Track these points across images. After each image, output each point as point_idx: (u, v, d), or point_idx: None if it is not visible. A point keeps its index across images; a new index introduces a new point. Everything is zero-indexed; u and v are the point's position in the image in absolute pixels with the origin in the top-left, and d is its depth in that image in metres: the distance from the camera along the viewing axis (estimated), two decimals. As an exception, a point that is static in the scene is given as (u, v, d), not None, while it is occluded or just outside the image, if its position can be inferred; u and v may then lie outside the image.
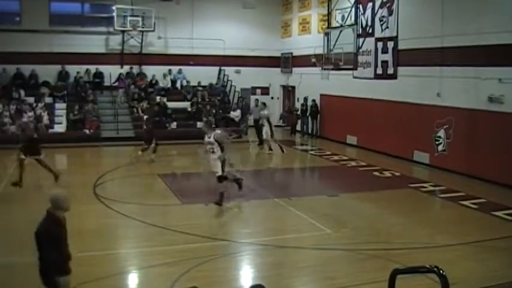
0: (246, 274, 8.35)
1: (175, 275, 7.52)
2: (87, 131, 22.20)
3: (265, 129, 19.78)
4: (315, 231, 10.16)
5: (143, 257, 8.70)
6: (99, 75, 24.78)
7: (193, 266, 7.92)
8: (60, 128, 22.53)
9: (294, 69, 26.80)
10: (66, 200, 5.37)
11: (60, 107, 23.36)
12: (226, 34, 26.14)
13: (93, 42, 24.43)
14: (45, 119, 22.23)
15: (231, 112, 24.39)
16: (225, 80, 26.65)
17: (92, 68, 24.73)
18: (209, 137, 11.53)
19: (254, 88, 27.82)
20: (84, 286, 7.10)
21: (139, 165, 17.33)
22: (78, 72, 24.53)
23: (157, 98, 23.96)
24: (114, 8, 24.02)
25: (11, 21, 24.05)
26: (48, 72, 24.18)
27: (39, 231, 5.19)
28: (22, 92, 23.23)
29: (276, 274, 7.99)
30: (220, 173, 11.43)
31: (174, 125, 23.40)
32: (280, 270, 8.23)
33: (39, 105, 22.71)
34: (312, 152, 21.10)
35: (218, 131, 11.92)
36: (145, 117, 18.69)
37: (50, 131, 22.00)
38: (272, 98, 28.13)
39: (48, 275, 5.19)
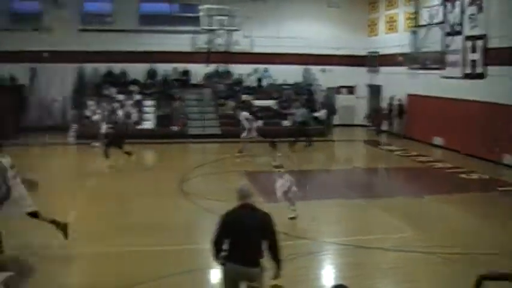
0: (328, 273, 9.22)
1: None
2: (174, 128, 25.51)
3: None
4: (397, 233, 10.92)
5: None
6: (186, 73, 28.23)
7: None
8: (148, 124, 25.85)
9: (381, 68, 29.14)
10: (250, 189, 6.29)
11: (149, 104, 26.81)
12: (312, 33, 28.77)
13: (180, 41, 27.79)
14: (134, 116, 26.10)
15: (316, 112, 27.26)
16: (311, 79, 29.35)
17: (180, 67, 28.29)
18: None
19: (339, 87, 30.36)
20: (170, 279, 8.35)
21: (225, 163, 19.65)
22: (165, 71, 28.17)
23: (243, 96, 27.49)
24: (201, 7, 27.38)
25: (104, 21, 28.13)
26: (137, 71, 27.89)
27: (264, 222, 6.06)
28: (113, 90, 27.08)
29: (358, 275, 8.62)
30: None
31: (259, 123, 26.42)
32: (362, 271, 8.86)
33: (129, 102, 26.63)
34: (398, 153, 22.32)
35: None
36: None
37: (139, 127, 25.41)
38: (357, 97, 30.66)
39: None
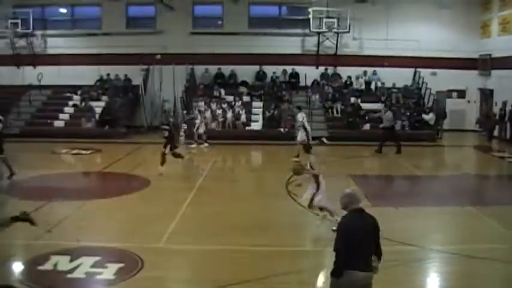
0: (433, 282, 9.12)
1: None
2: (282, 130, 26.40)
3: (300, 134, 21.73)
4: (507, 243, 10.60)
5: (329, 256, 10.35)
6: (295, 75, 29.29)
7: (380, 270, 9.57)
8: (256, 125, 26.95)
9: (493, 71, 28.81)
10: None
11: (257, 106, 28.07)
12: (422, 35, 28.95)
13: (289, 44, 28.98)
14: (243, 117, 27.36)
15: (424, 115, 27.76)
16: (420, 82, 29.57)
17: (288, 69, 29.44)
18: None
19: (450, 91, 30.29)
20: (273, 279, 8.66)
21: (332, 165, 19.66)
22: (274, 73, 29.29)
23: (352, 99, 28.40)
24: (310, 10, 28.33)
25: (214, 25, 29.89)
26: (246, 72, 29.35)
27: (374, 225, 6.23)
28: (222, 91, 28.64)
29: (465, 285, 8.62)
30: None
31: (367, 126, 26.98)
32: (470, 282, 8.77)
33: (238, 103, 27.99)
34: (510, 160, 22.04)
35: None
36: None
37: (247, 128, 26.74)
38: (469, 101, 30.54)
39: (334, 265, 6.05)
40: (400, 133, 25.54)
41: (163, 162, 17.66)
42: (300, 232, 11.57)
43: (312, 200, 11.47)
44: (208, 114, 26.23)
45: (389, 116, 22.83)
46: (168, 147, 17.95)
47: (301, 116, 22.53)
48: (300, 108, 23.92)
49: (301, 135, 21.61)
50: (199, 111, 25.36)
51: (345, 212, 6.34)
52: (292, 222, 12.03)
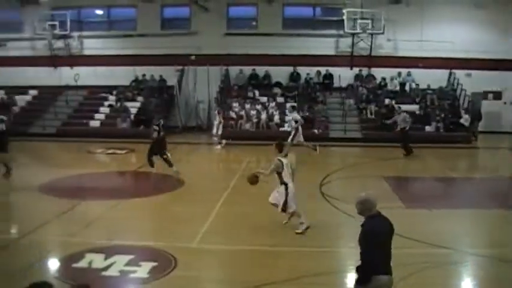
0: (466, 286, 9.20)
1: (395, 279, 9.18)
2: (315, 131, 26.76)
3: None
4: None
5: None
6: (328, 76, 29.91)
7: (413, 272, 8.75)
8: (290, 127, 28.34)
9: None
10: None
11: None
12: (456, 35, 29.18)
13: (323, 45, 29.61)
14: (276, 118, 28.29)
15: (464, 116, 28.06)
16: (455, 83, 29.85)
17: (322, 70, 30.09)
18: None
19: (486, 92, 30.51)
20: (304, 280, 8.77)
21: (365, 167, 20.48)
22: (308, 74, 29.99)
23: (386, 100, 29.00)
24: (344, 11, 28.89)
25: (249, 26, 30.71)
26: (280, 73, 30.07)
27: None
28: (256, 92, 29.49)
29: None
30: None
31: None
32: (503, 286, 8.81)
33: (271, 104, 28.70)
34: None
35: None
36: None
37: (281, 129, 27.29)
38: (505, 103, 30.66)
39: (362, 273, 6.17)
40: (435, 135, 26.20)
41: (170, 164, 17.67)
42: (332, 233, 11.60)
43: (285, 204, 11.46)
44: (243, 114, 27.13)
45: (405, 117, 23.07)
46: (164, 151, 17.70)
47: (293, 117, 23.13)
48: (294, 108, 25.08)
49: (299, 136, 22.04)
50: (218, 113, 26.15)
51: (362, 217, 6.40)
52: (324, 223, 12.12)
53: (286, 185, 11.35)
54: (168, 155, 17.78)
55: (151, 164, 17.84)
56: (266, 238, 11.17)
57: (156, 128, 17.96)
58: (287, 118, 23.03)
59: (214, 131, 25.75)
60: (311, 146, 22.14)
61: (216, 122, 25.66)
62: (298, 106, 28.47)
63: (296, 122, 21.86)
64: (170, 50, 29.90)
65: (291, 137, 21.40)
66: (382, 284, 6.14)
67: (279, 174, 11.45)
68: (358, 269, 6.21)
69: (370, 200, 6.34)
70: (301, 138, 21.97)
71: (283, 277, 8.93)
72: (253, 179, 11.67)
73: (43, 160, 22.99)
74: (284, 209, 11.49)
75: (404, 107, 27.56)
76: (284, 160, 11.56)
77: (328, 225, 11.96)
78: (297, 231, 11.45)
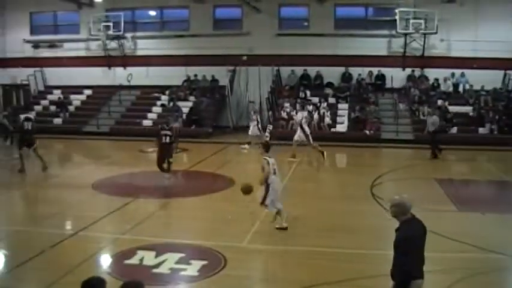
0: None
1: (446, 283, 8.62)
2: (367, 132, 27.28)
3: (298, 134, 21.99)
4: None
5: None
6: (381, 77, 30.24)
7: (465, 277, 8.88)
8: (341, 127, 28.03)
9: None
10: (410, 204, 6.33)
11: (343, 108, 29.18)
12: None
13: (375, 45, 29.92)
14: (328, 118, 28.69)
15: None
16: (510, 84, 29.66)
17: (374, 70, 30.44)
18: None
19: None
20: (353, 282, 8.92)
21: (417, 169, 20.64)
22: (360, 74, 30.37)
23: (439, 101, 29.25)
24: (396, 11, 29.03)
25: (300, 26, 31.30)
26: (332, 74, 30.57)
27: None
28: (308, 92, 30.05)
29: None
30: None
31: (454, 129, 27.33)
32: None
33: (323, 105, 29.05)
34: None
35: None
36: None
37: (332, 130, 27.85)
38: None
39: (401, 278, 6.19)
40: (489, 137, 26.32)
41: (169, 170, 17.56)
42: (382, 236, 11.08)
43: (264, 198, 11.91)
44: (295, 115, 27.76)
45: (435, 120, 23.14)
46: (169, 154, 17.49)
47: (300, 115, 23.32)
48: (303, 107, 25.42)
49: (298, 135, 22.13)
50: (254, 112, 26.74)
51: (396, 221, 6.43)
52: (374, 225, 12.09)
53: (268, 185, 11.79)
54: (171, 160, 17.75)
55: (164, 169, 17.63)
56: (316, 239, 11.35)
57: (169, 132, 17.60)
58: (297, 116, 23.14)
59: (252, 131, 25.87)
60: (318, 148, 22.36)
61: (254, 123, 25.85)
62: (349, 106, 29.00)
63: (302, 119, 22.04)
64: (222, 50, 30.73)
65: (304, 137, 21.73)
66: None
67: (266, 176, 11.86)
68: (395, 275, 6.24)
69: (405, 203, 6.30)
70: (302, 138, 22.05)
71: (332, 278, 9.02)
72: (248, 189, 11.97)
73: (96, 158, 24.12)
74: (263, 202, 11.94)
75: (457, 108, 28.08)
76: (270, 160, 11.95)
77: (379, 228, 11.70)
78: (277, 226, 12.00)
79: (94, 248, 10.90)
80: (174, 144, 18.04)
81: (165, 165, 17.44)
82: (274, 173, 11.91)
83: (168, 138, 17.36)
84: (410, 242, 6.15)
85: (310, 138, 21.99)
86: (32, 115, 21.81)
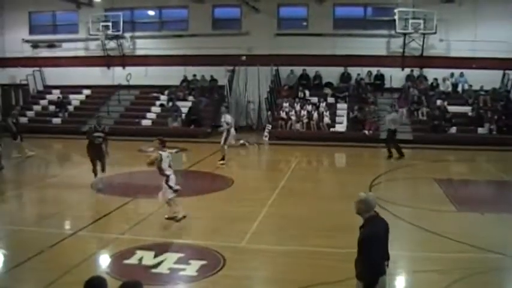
0: None
1: (444, 283, 8.76)
2: (366, 132, 27.46)
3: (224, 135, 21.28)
4: None
5: (413, 261, 10.13)
6: (380, 77, 30.50)
7: (463, 277, 9.00)
8: (340, 127, 28.19)
9: None
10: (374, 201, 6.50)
11: (342, 108, 29.42)
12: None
13: (374, 45, 30.13)
14: (327, 118, 28.94)
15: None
16: (509, 84, 29.85)
17: (373, 70, 30.65)
18: None
19: None
20: (353, 282, 9.11)
21: (416, 169, 20.77)
22: (359, 74, 30.59)
23: (438, 101, 29.33)
24: (395, 11, 29.27)
25: (299, 26, 31.57)
26: (331, 74, 30.78)
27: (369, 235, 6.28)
28: (307, 92, 30.28)
29: None
30: None
31: (453, 129, 27.50)
32: None
33: (322, 105, 29.30)
34: None
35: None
36: None
37: (331, 129, 28.04)
38: None
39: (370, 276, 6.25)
40: (488, 137, 26.51)
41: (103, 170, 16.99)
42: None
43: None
44: (292, 115, 28.01)
45: (394, 117, 23.27)
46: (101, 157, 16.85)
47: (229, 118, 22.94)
48: (227, 109, 25.15)
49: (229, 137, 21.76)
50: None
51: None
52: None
53: (167, 176, 12.41)
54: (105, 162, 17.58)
55: (96, 173, 17.23)
56: (315, 239, 11.43)
57: (101, 134, 17.21)
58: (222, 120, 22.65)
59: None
60: (246, 143, 23.33)
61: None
62: (348, 106, 29.15)
63: (227, 124, 21.67)
64: (221, 50, 31.02)
65: (222, 139, 21.34)
66: (385, 284, 6.30)
67: (159, 168, 12.46)
68: (362, 273, 6.30)
69: (370, 201, 6.38)
70: (233, 141, 22.04)
71: (331, 278, 9.07)
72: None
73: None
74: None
75: (456, 108, 28.20)
76: (164, 153, 12.47)
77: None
78: (166, 216, 12.63)
79: (93, 248, 11.07)
80: (104, 146, 16.99)
81: (98, 168, 16.78)
82: (170, 166, 12.46)
83: (101, 140, 16.83)
84: (376, 239, 6.21)
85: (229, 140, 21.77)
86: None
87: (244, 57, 31.12)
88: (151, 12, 34.15)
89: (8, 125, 23.26)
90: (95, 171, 16.74)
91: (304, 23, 31.64)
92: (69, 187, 17.28)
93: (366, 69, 30.93)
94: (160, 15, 33.94)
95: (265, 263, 10.52)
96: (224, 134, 21.23)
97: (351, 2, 31.54)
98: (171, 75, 32.10)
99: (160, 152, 12.48)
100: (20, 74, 34.46)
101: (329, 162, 23.93)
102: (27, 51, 34.83)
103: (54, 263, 10.13)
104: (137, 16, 34.07)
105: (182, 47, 32.23)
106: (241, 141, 23.73)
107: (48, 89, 34.81)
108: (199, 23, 32.35)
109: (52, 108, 32.63)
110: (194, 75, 32.28)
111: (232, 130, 21.75)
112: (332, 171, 22.27)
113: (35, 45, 34.76)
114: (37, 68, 34.54)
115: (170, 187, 12.42)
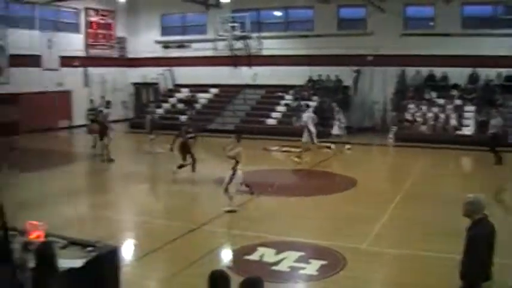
0: None
1: None
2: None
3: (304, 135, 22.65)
4: None
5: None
6: (510, 78, 29.83)
7: None
8: (467, 130, 27.98)
9: None
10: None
11: (469, 110, 29.16)
12: None
13: (505, 45, 29.18)
14: (454, 121, 28.76)
15: None
16: None
17: (503, 71, 29.91)
18: None
19: None
20: None
21: None
22: (487, 75, 30.07)
23: None
24: (528, 8, 29.30)
25: (426, 26, 31.52)
26: (458, 75, 30.37)
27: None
28: (433, 94, 30.31)
29: None
30: None
31: None
32: None
33: (449, 106, 29.29)
34: None
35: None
36: None
37: (457, 132, 27.90)
38: None
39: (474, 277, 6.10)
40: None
41: (182, 166, 19.00)
42: (505, 243, 11.06)
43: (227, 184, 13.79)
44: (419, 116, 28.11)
45: (498, 121, 22.78)
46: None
47: (306, 116, 23.50)
48: (308, 106, 25.84)
49: (305, 136, 22.70)
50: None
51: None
52: (499, 232, 12.42)
53: (235, 171, 13.61)
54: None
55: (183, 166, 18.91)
56: (439, 244, 11.07)
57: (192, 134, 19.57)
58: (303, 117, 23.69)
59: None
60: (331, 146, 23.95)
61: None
62: (476, 109, 28.68)
63: (304, 122, 22.80)
64: (346, 50, 31.49)
65: (314, 136, 22.60)
66: None
67: (237, 162, 13.69)
68: (466, 274, 6.18)
69: (481, 202, 6.21)
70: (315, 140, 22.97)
71: (452, 285, 8.99)
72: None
73: (219, 155, 25.30)
74: (227, 188, 13.83)
75: None
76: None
77: (501, 235, 11.53)
78: (224, 208, 13.63)
79: (215, 242, 11.76)
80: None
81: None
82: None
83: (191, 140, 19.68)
84: (484, 240, 6.06)
85: (315, 137, 22.82)
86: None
87: (370, 58, 31.26)
88: (277, 13, 35.17)
89: (149, 121, 25.17)
90: (193, 166, 18.96)
91: (431, 23, 31.40)
92: (194, 182, 18.52)
93: (495, 70, 30.11)
94: (286, 15, 34.93)
95: (386, 266, 10.58)
96: (310, 132, 22.54)
97: (480, 1, 31.02)
98: (296, 75, 32.95)
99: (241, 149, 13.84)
100: (151, 73, 36.40)
101: (455, 166, 23.70)
102: (159, 52, 36.66)
103: (179, 254, 10.95)
104: (263, 17, 35.31)
105: (307, 47, 33.01)
106: (328, 145, 24.54)
107: (177, 87, 36.55)
108: (325, 23, 32.97)
109: (181, 106, 34.26)
110: (319, 75, 32.79)
111: (312, 128, 22.80)
112: (458, 175, 21.95)
113: (166, 45, 36.63)
114: (167, 68, 36.25)
115: (231, 181, 13.72)
